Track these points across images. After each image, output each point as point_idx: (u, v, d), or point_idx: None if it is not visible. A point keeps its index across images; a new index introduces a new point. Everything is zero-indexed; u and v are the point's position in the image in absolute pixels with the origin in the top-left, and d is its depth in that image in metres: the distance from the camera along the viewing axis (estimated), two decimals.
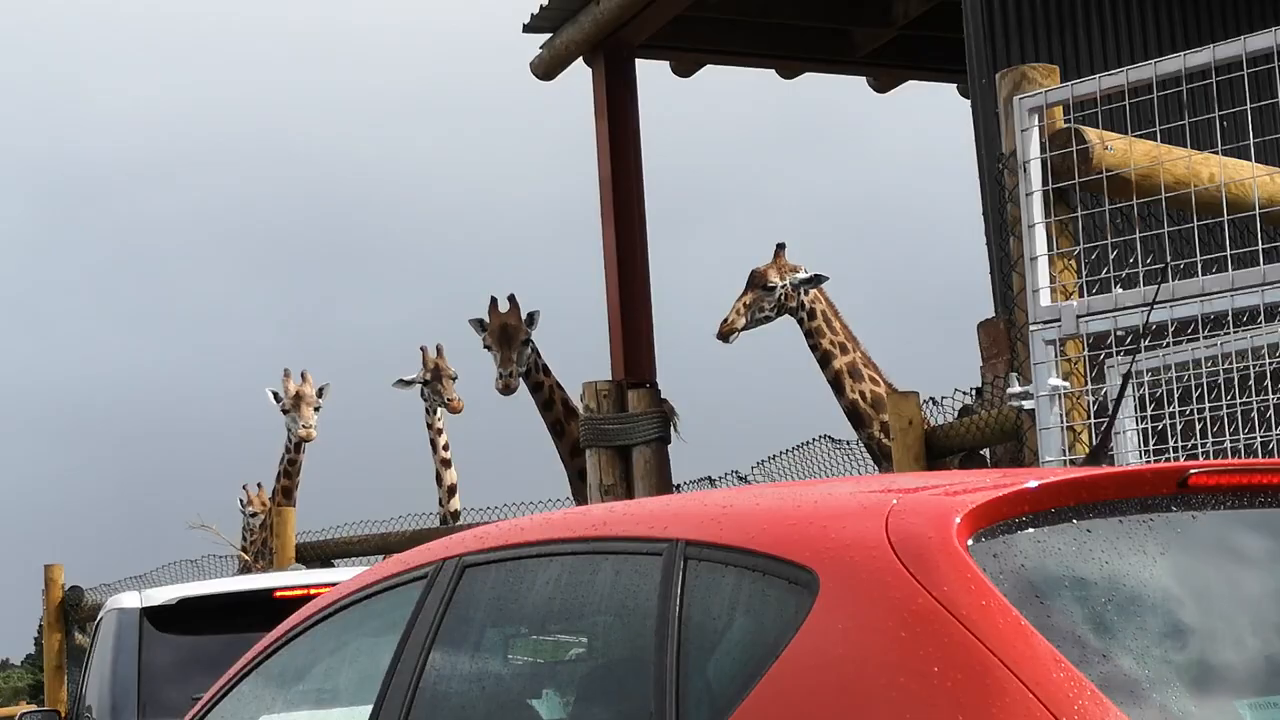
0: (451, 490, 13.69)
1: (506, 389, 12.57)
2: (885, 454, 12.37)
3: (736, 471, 11.19)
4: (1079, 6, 9.80)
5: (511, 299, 12.78)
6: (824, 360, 12.87)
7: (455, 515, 13.35)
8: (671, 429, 12.14)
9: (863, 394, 12.96)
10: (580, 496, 13.18)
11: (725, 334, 12.65)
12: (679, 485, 11.94)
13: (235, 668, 4.45)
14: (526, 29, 12.53)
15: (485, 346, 12.76)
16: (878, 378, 13.01)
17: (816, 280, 12.90)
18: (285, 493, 14.63)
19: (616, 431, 11.85)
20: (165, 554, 14.32)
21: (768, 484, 4.14)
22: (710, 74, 13.05)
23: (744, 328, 12.78)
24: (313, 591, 7.83)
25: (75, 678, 15.09)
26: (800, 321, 12.90)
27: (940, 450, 9.21)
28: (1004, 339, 9.53)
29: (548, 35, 12.54)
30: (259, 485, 15.82)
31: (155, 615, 7.70)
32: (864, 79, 13.30)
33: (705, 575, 3.16)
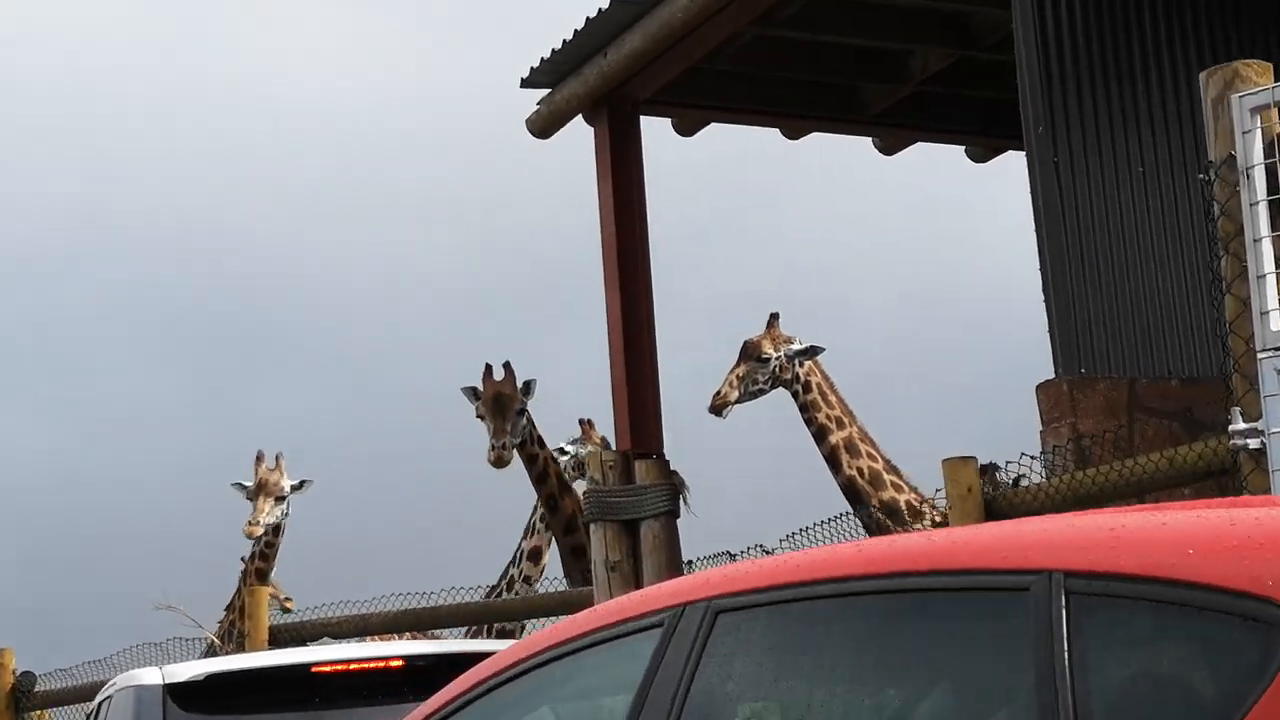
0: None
1: (499, 461, 11.91)
2: (885, 532, 11.81)
3: (762, 545, 10.55)
4: (1137, 55, 9.35)
5: (506, 366, 12.17)
6: (819, 435, 12.33)
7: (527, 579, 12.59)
8: (681, 502, 11.52)
9: (860, 470, 12.44)
10: (573, 575, 12.52)
11: (718, 408, 12.08)
12: (690, 562, 11.31)
13: None
14: (524, 84, 11.96)
15: (478, 416, 12.11)
16: (875, 453, 12.49)
17: (812, 351, 12.37)
18: (259, 575, 13.86)
19: (624, 504, 11.20)
20: (106, 644, 13.44)
21: (1147, 504, 3.44)
22: (713, 132, 12.53)
23: (737, 401, 12.23)
24: (353, 667, 7.15)
25: None
26: (795, 395, 12.37)
27: (1003, 518, 8.63)
28: (1067, 401, 9.00)
29: (546, 90, 11.96)
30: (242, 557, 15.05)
31: (180, 693, 6.95)
32: (870, 140, 12.82)
33: (1103, 614, 2.54)
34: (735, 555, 10.98)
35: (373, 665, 7.09)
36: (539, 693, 3.54)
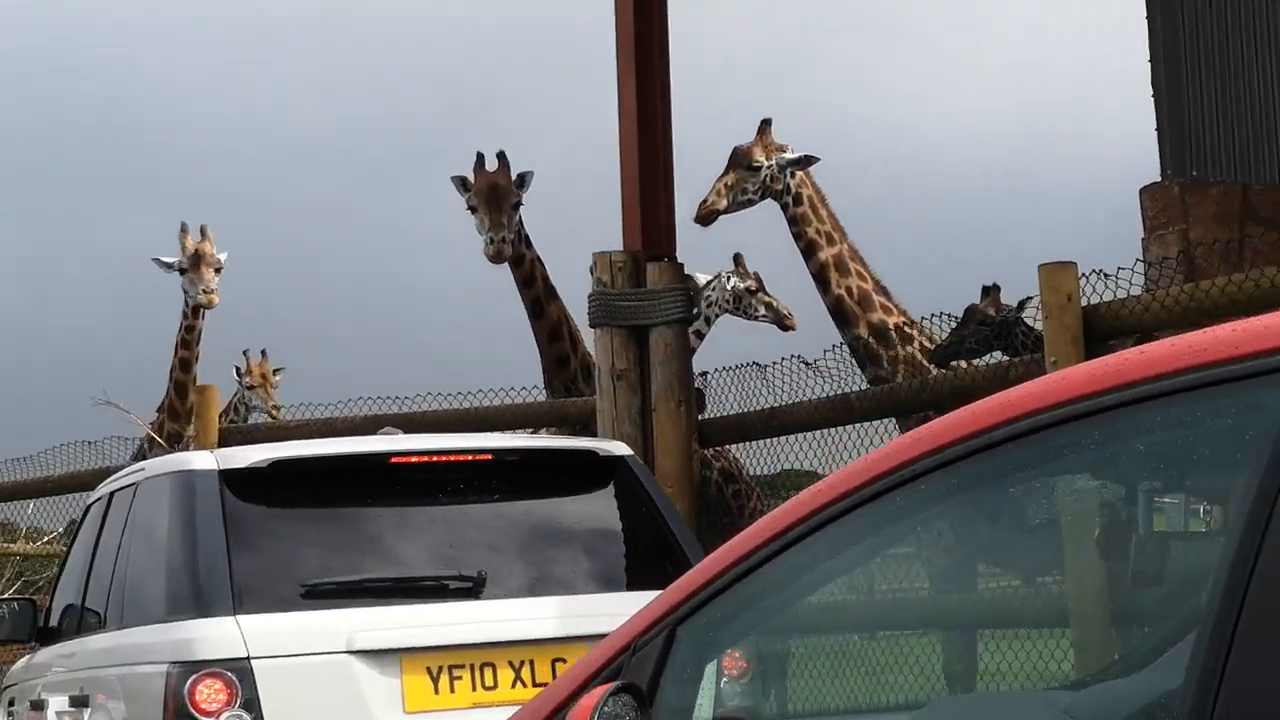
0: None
1: (498, 256, 10.97)
2: (871, 356, 11.07)
3: (799, 355, 9.76)
4: None
5: (501, 156, 11.18)
6: (808, 251, 11.53)
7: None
8: (696, 311, 10.66)
9: (849, 289, 11.67)
10: (554, 385, 11.66)
11: (705, 216, 11.24)
12: (704, 373, 10.48)
13: (762, 530, 2.82)
14: None
15: (469, 208, 11.12)
16: (865, 273, 11.73)
17: (806, 161, 11.54)
18: (184, 365, 12.81)
19: (634, 309, 10.29)
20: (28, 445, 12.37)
21: None
22: None
23: (725, 210, 11.39)
24: (437, 459, 6.22)
25: None
26: (784, 207, 11.57)
27: (1104, 332, 7.87)
28: (1178, 205, 8.22)
29: None
30: (262, 353, 13.96)
31: (238, 480, 5.98)
32: None
33: None
34: (764, 366, 10.19)
35: (459, 458, 6.17)
36: (1035, 464, 2.57)
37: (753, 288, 12.26)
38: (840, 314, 11.41)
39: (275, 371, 14.34)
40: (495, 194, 10.99)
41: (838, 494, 2.75)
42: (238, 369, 14.24)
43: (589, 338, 11.07)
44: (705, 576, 2.87)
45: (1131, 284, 7.79)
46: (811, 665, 2.94)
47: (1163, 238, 8.09)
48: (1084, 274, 8.00)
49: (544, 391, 11.63)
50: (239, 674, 5.63)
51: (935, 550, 2.92)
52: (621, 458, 6.45)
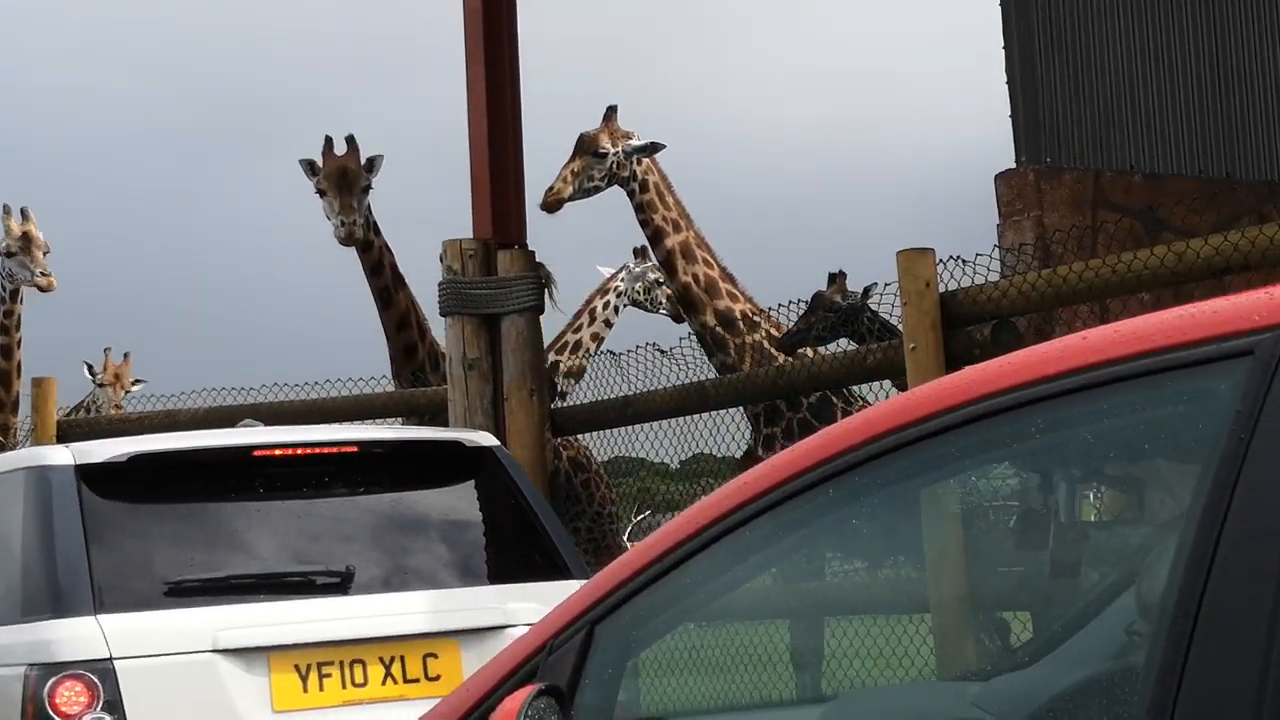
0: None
1: (350, 238, 10.79)
2: (718, 344, 11.08)
3: (655, 344, 9.71)
4: None
5: (350, 140, 11.00)
6: (655, 238, 11.53)
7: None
8: (547, 297, 10.56)
9: (695, 277, 11.67)
10: (403, 375, 11.52)
11: (551, 204, 11.17)
12: (555, 362, 10.39)
13: (666, 536, 2.75)
14: None
15: (318, 191, 10.92)
16: (711, 260, 11.74)
17: (652, 148, 11.51)
18: (4, 351, 12.39)
19: (485, 298, 10.18)
20: None
21: None
22: None
23: (571, 197, 11.33)
24: (302, 452, 6.07)
25: None
26: (631, 194, 11.54)
27: (962, 318, 7.90)
28: (1033, 192, 8.28)
29: None
30: (125, 355, 13.51)
31: (96, 476, 5.80)
32: None
33: None
34: (618, 354, 10.13)
35: (324, 450, 6.03)
36: (996, 448, 2.49)
37: (660, 280, 12.23)
38: (687, 301, 11.40)
39: (135, 383, 13.98)
40: (345, 177, 10.82)
41: (763, 488, 2.69)
42: (89, 366, 13.85)
43: (437, 327, 10.95)
44: (624, 574, 2.79)
45: (989, 270, 7.82)
46: (729, 659, 2.88)
47: (1018, 224, 8.14)
48: (941, 260, 8.03)
49: (392, 381, 11.48)
50: (101, 675, 5.46)
51: (861, 543, 2.87)
52: (489, 448, 6.36)
